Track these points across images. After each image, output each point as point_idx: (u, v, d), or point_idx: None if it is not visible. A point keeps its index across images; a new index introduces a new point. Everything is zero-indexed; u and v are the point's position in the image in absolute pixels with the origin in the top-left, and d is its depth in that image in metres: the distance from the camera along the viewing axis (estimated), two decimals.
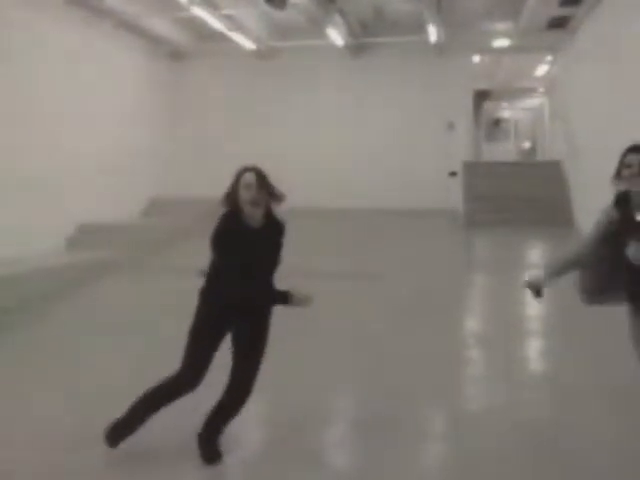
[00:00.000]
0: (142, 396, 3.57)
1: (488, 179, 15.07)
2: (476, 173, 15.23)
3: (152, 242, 11.99)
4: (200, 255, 3.48)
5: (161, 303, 7.89)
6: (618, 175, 3.21)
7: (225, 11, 13.30)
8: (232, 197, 3.42)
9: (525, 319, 7.26)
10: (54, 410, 4.49)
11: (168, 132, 16.29)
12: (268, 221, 3.50)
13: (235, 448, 3.75)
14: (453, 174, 15.32)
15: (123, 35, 14.11)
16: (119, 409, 4.36)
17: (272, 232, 3.51)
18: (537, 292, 3.45)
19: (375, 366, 5.47)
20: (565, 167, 14.75)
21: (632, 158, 3.13)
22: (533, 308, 7.66)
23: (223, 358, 3.54)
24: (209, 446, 3.60)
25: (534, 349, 6.27)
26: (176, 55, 16.81)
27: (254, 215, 3.42)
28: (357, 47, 15.95)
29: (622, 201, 3.18)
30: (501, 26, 15.46)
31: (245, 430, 4.10)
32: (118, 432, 3.58)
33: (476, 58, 17.38)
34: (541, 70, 19.90)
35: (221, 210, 3.47)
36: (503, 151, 23.72)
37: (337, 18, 13.83)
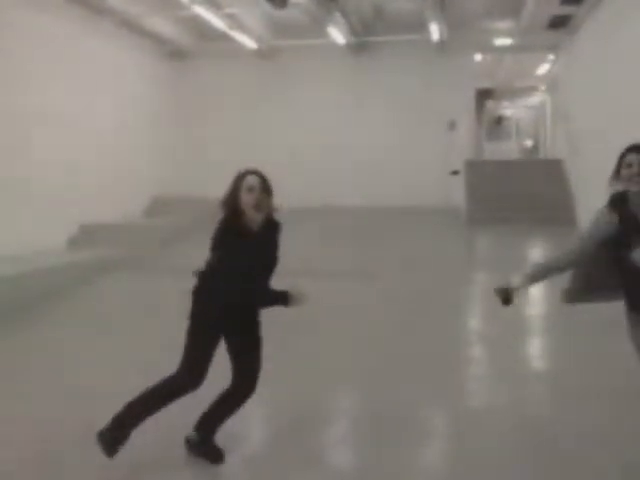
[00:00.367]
0: (140, 397, 3.49)
1: (490, 177, 15.07)
2: (478, 172, 15.22)
3: (154, 241, 12.01)
4: (202, 254, 3.48)
5: (163, 302, 7.90)
6: (617, 175, 3.15)
7: (227, 10, 13.30)
8: (233, 200, 3.37)
9: (527, 318, 7.25)
10: (55, 410, 4.50)
11: (170, 131, 16.29)
12: (266, 222, 3.47)
13: (236, 447, 3.76)
14: (455, 173, 15.32)
15: (124, 34, 14.11)
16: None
17: (270, 233, 3.49)
18: (506, 299, 3.30)
19: (377, 365, 5.48)
20: (567, 165, 14.73)
21: (632, 158, 3.07)
22: (535, 307, 7.68)
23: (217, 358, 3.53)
24: (211, 446, 3.61)
25: (535, 348, 6.27)
26: (178, 54, 16.81)
27: (256, 218, 3.39)
28: (358, 46, 15.94)
29: (618, 201, 3.12)
30: (502, 25, 15.45)
31: (246, 429, 4.11)
32: (113, 436, 3.40)
33: (478, 57, 17.36)
34: (542, 69, 19.89)
35: (221, 213, 3.43)
36: (505, 150, 23.70)
37: (338, 17, 13.81)
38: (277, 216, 3.54)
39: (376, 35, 15.73)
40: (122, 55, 14.31)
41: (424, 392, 4.82)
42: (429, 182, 15.40)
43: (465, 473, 3.54)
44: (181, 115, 16.66)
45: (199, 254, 3.54)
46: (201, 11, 12.67)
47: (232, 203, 3.37)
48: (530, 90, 23.81)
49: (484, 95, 22.72)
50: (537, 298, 8.41)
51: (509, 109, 27.13)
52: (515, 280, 3.30)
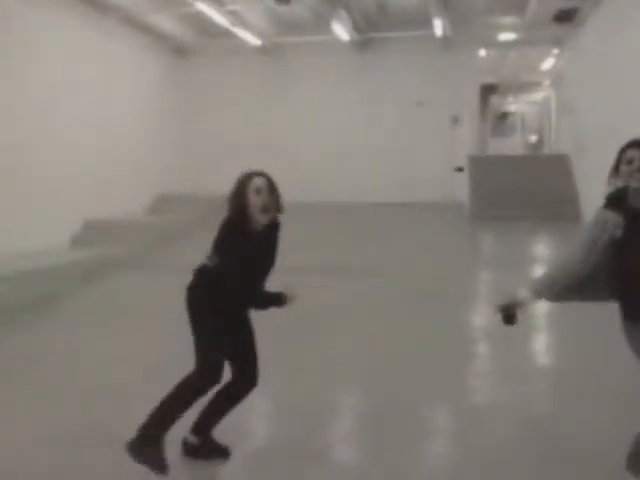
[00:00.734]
0: (163, 402, 3.37)
1: (494, 173, 15.01)
2: (482, 167, 15.17)
3: (158, 239, 12.02)
4: (205, 252, 3.46)
5: (166, 300, 7.87)
6: (616, 171, 3.05)
7: (229, 7, 13.29)
8: (240, 201, 3.31)
9: (531, 315, 7.22)
10: (58, 409, 4.50)
11: (173, 128, 16.31)
12: (268, 223, 3.42)
13: (241, 444, 3.75)
14: (459, 169, 15.28)
15: (127, 31, 14.12)
16: (124, 408, 4.40)
17: (271, 233, 3.45)
18: (509, 318, 3.06)
19: (380, 362, 5.47)
20: (572, 161, 14.68)
21: (633, 153, 2.96)
22: (539, 304, 7.64)
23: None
24: (213, 445, 3.60)
25: (540, 345, 6.25)
26: (181, 51, 16.82)
27: (262, 220, 3.34)
28: (362, 42, 15.91)
29: (618, 199, 2.97)
30: (507, 20, 15.39)
31: (249, 426, 4.11)
32: (149, 444, 3.31)
33: (482, 52, 17.30)
34: (547, 63, 19.80)
35: (226, 211, 3.39)
36: (509, 145, 23.63)
37: (342, 13, 13.79)
38: (280, 216, 3.50)
39: (380, 31, 15.71)
40: (125, 52, 14.32)
41: (428, 389, 4.81)
42: (433, 178, 15.39)
43: (470, 469, 3.54)
44: (184, 112, 16.67)
45: (203, 252, 3.53)
46: (204, 8, 12.67)
47: (239, 204, 3.32)
48: (535, 85, 23.72)
49: (488, 90, 22.64)
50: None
51: (513, 104, 27.05)
52: (519, 295, 3.06)
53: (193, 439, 3.59)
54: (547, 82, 22.17)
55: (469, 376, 5.26)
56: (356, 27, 15.00)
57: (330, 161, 16.30)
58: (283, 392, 4.70)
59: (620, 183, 3.01)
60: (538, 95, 24.61)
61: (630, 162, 2.95)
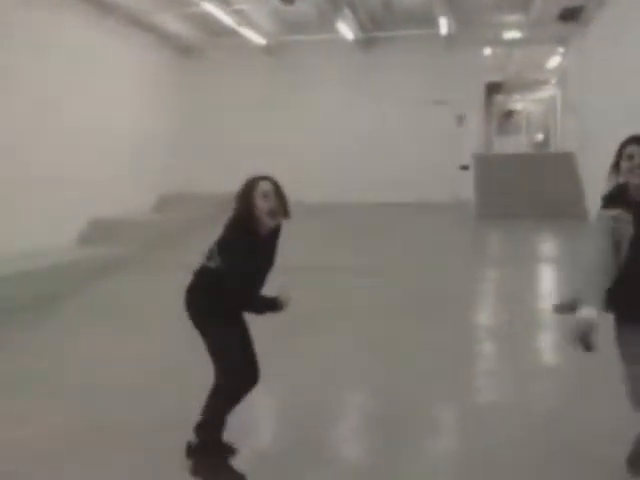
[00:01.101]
0: (212, 408, 3.38)
1: (500, 171, 14.99)
2: (487, 166, 15.15)
3: (163, 238, 12.05)
4: (204, 253, 3.46)
5: (169, 299, 7.89)
6: (616, 167, 2.99)
7: (235, 6, 13.31)
8: (246, 206, 3.29)
9: (536, 312, 7.23)
10: (64, 408, 4.52)
11: (178, 128, 16.33)
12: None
13: (244, 444, 3.75)
14: (465, 168, 15.27)
15: (133, 31, 14.16)
16: (129, 406, 4.43)
17: (271, 235, 3.43)
18: (587, 344, 2.68)
19: (385, 360, 5.48)
20: (577, 159, 14.65)
21: (633, 149, 2.90)
22: (544, 301, 7.65)
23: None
24: (217, 445, 3.59)
25: (545, 343, 6.24)
26: (186, 51, 16.84)
27: (269, 224, 3.33)
28: (367, 41, 15.91)
29: (617, 197, 2.93)
30: (512, 18, 15.36)
31: (253, 426, 4.12)
32: (214, 448, 3.40)
33: (487, 50, 17.27)
34: (553, 62, 19.74)
35: (230, 213, 3.37)
36: (515, 143, 23.55)
37: (347, 12, 13.79)
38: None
39: (384, 30, 15.70)
40: (130, 52, 14.36)
41: (434, 387, 4.82)
42: (438, 177, 15.37)
43: (475, 467, 3.54)
44: (189, 111, 16.69)
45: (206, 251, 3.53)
46: (210, 7, 12.69)
47: (246, 208, 3.30)
48: (540, 83, 23.65)
49: (493, 89, 22.60)
50: (547, 293, 8.38)
51: (519, 102, 26.97)
52: (587, 313, 2.66)
53: (198, 442, 3.54)
54: (553, 80, 22.11)
55: (475, 374, 5.26)
56: (361, 26, 15.00)
57: (334, 160, 16.30)
58: (284, 392, 4.72)
59: (621, 179, 2.96)
60: (544, 93, 24.53)
61: (630, 158, 2.90)
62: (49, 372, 5.37)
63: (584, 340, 2.66)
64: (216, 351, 3.38)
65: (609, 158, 3.04)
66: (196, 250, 3.48)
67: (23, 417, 4.38)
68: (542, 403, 4.51)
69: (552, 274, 9.65)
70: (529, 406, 4.39)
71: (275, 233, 3.45)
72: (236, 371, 3.37)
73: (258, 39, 15.40)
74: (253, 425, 4.10)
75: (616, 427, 3.23)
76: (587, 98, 14.05)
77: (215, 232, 3.44)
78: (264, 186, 3.31)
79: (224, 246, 3.33)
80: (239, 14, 13.75)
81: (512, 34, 15.75)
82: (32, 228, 10.18)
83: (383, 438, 3.93)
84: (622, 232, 2.83)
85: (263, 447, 3.89)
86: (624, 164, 2.93)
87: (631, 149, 2.91)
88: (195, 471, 3.38)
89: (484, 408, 4.43)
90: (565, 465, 3.51)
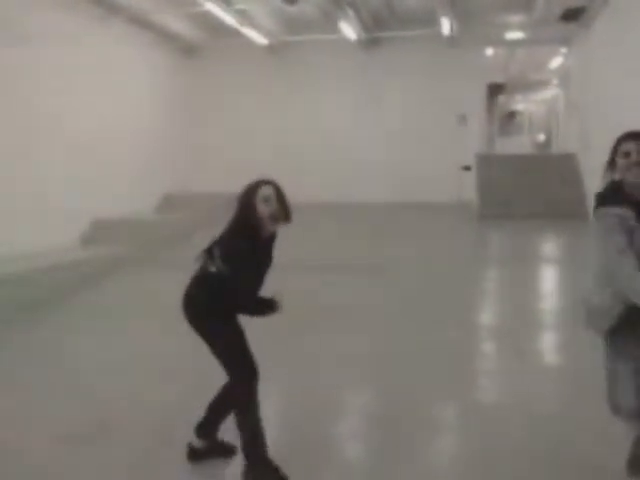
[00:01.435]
0: (243, 424, 3.35)
1: (502, 172, 14.99)
2: (489, 166, 15.15)
3: (166, 238, 12.06)
4: (200, 257, 3.45)
5: (174, 299, 7.91)
6: (611, 165, 2.90)
7: (237, 6, 13.32)
8: (248, 211, 3.26)
9: (539, 312, 7.23)
10: (67, 409, 4.53)
11: (181, 128, 16.34)
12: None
13: None
14: (467, 168, 15.27)
15: (135, 31, 14.15)
16: (129, 406, 4.43)
17: (270, 238, 3.42)
18: None
19: (387, 360, 5.48)
20: (579, 160, 14.64)
21: (630, 146, 2.80)
22: (547, 301, 7.65)
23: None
24: (218, 445, 3.61)
25: (548, 342, 6.24)
26: (189, 51, 16.86)
27: (271, 229, 3.32)
28: (370, 41, 15.91)
29: (616, 195, 2.83)
30: (514, 18, 15.35)
31: None
32: (258, 450, 3.36)
33: (489, 51, 17.27)
34: (555, 62, 19.75)
35: (231, 213, 3.35)
36: (517, 144, 23.57)
37: (349, 12, 13.79)
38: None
39: (387, 30, 15.69)
40: (132, 52, 14.36)
41: (436, 386, 4.82)
42: (440, 177, 15.37)
43: (477, 467, 3.54)
44: (191, 111, 16.71)
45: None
46: (212, 7, 12.69)
47: (247, 213, 3.27)
48: (542, 84, 23.67)
49: (496, 90, 22.61)
50: (550, 292, 8.38)
51: (521, 103, 26.97)
52: None
53: (198, 443, 3.56)
54: (555, 81, 22.11)
55: (477, 374, 5.26)
56: (363, 26, 15.00)
57: (335, 160, 16.30)
58: (285, 391, 4.72)
59: (616, 177, 2.87)
60: (546, 94, 24.54)
61: (627, 154, 2.81)
62: (49, 372, 5.38)
63: None
64: (224, 352, 3.36)
65: None
66: (198, 250, 3.47)
67: (23, 417, 4.38)
68: (543, 403, 4.50)
69: (554, 274, 9.65)
70: (529, 406, 4.39)
71: (273, 234, 3.45)
72: (248, 367, 3.34)
73: (260, 39, 15.40)
74: None
75: (616, 428, 3.22)
76: (589, 99, 14.04)
77: (218, 231, 3.43)
78: (265, 191, 3.28)
79: (229, 251, 3.28)
80: (242, 14, 13.75)
81: (514, 34, 15.74)
82: (33, 228, 10.18)
83: (383, 438, 3.93)
84: (632, 227, 2.74)
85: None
86: (620, 161, 2.84)
87: (627, 146, 2.82)
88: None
89: (484, 408, 4.43)
90: (565, 465, 3.51)
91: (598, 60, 13.11)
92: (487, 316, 7.40)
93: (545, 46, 17.50)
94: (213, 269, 3.33)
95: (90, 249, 11.08)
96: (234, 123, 16.81)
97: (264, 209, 3.25)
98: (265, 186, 3.30)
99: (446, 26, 14.29)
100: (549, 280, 9.36)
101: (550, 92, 23.80)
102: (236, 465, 3.48)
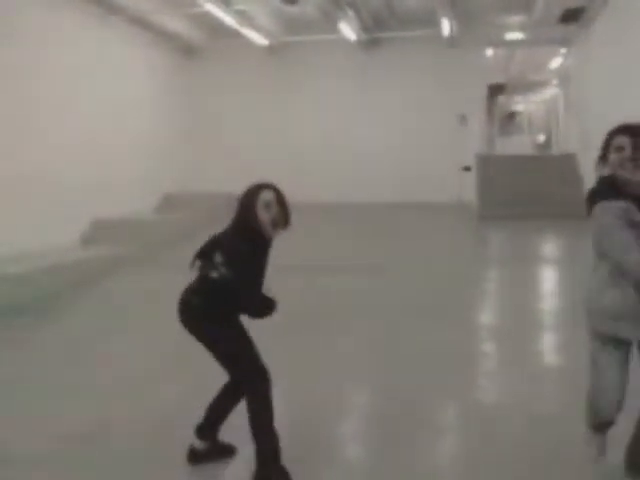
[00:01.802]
0: (254, 423, 3.31)
1: (502, 172, 14.99)
2: (490, 166, 15.15)
3: (166, 238, 12.06)
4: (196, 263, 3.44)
5: (174, 299, 7.91)
6: (603, 159, 2.79)
7: (237, 7, 13.32)
8: (249, 216, 3.25)
9: (539, 312, 7.23)
10: (69, 407, 4.53)
11: (181, 128, 16.34)
12: None
13: (246, 444, 3.75)
14: (467, 169, 15.27)
15: (134, 31, 14.16)
16: (129, 406, 4.43)
17: (269, 241, 3.39)
18: None
19: (388, 360, 5.48)
20: (579, 160, 14.64)
21: (623, 140, 2.69)
22: (547, 302, 7.65)
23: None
24: (219, 446, 3.61)
25: (548, 343, 6.24)
26: (189, 51, 16.86)
27: (272, 234, 3.29)
28: (370, 41, 15.91)
29: (608, 191, 2.71)
30: (514, 19, 15.37)
31: None
32: (275, 452, 3.31)
33: (489, 51, 17.27)
34: (555, 63, 19.75)
35: (232, 214, 3.34)
36: (517, 144, 23.56)
37: (349, 13, 13.79)
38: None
39: (387, 30, 15.71)
40: (132, 52, 14.37)
41: (437, 387, 4.82)
42: (440, 177, 15.38)
43: (477, 468, 3.54)
44: (192, 112, 16.71)
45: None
46: (212, 8, 12.69)
47: (247, 218, 3.25)
48: (542, 84, 23.66)
49: (496, 90, 22.60)
50: (550, 293, 8.38)
51: (521, 104, 26.97)
52: None
53: (199, 444, 3.55)
54: (555, 81, 22.11)
55: (477, 375, 5.25)
56: (363, 27, 15.01)
57: (336, 161, 16.31)
58: (285, 391, 4.71)
59: (606, 172, 2.76)
60: (546, 94, 24.53)
61: (620, 149, 2.70)
62: (49, 372, 5.38)
63: None
64: (233, 355, 3.35)
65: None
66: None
67: (23, 417, 4.39)
68: (543, 403, 4.50)
69: (554, 275, 9.64)
70: (529, 406, 4.39)
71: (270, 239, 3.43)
72: (258, 368, 3.33)
73: (260, 40, 15.40)
74: None
75: (615, 428, 3.22)
76: (589, 99, 14.04)
77: (218, 231, 3.42)
78: (266, 196, 3.25)
79: (230, 254, 3.25)
80: (241, 14, 13.75)
81: (514, 35, 15.76)
82: (34, 229, 10.18)
83: (383, 438, 3.93)
84: (636, 222, 2.64)
85: None
86: (613, 156, 2.73)
87: (620, 140, 2.72)
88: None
89: (484, 408, 4.43)
90: (565, 465, 3.51)
91: (597, 60, 13.13)
92: (487, 316, 7.40)
93: (545, 47, 17.50)
94: (215, 275, 3.30)
95: (90, 249, 11.07)
96: (234, 123, 16.81)
97: (265, 215, 3.23)
98: (266, 191, 3.28)
99: (446, 27, 14.30)
100: (549, 280, 9.36)
101: (550, 92, 23.79)
102: (236, 465, 3.48)
